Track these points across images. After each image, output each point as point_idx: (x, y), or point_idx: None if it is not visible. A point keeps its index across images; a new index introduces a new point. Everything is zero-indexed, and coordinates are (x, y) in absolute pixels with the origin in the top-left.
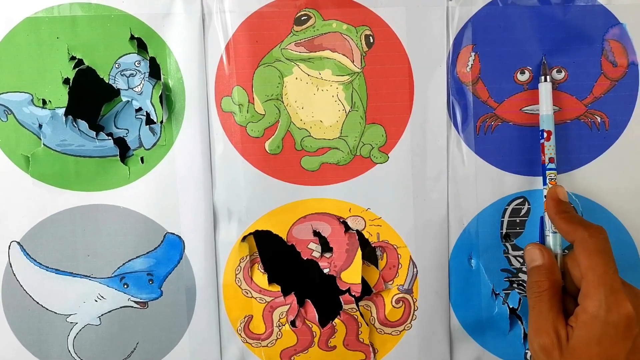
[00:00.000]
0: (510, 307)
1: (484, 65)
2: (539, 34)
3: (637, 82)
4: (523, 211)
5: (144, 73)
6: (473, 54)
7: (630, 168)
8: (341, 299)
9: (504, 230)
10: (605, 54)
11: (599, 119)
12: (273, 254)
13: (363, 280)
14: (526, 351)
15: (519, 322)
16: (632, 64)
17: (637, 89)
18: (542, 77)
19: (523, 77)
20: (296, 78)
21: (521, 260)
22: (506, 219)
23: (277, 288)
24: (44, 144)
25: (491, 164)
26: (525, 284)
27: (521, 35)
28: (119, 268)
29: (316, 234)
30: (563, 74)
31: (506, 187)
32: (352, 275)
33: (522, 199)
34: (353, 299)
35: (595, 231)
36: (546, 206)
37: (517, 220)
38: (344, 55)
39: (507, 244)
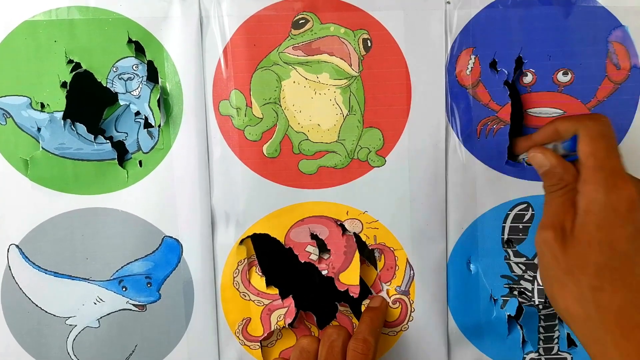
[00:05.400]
0: (508, 314)
1: (485, 68)
2: (541, 36)
3: (639, 85)
4: (527, 217)
5: (142, 76)
6: (473, 57)
7: (632, 172)
8: (338, 305)
9: (506, 236)
10: (610, 56)
11: None
12: (271, 257)
13: (362, 281)
14: (524, 356)
15: (518, 326)
16: (634, 67)
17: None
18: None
19: (527, 80)
20: (294, 82)
21: (523, 267)
22: (508, 224)
23: (275, 291)
24: (42, 148)
25: (492, 167)
26: (526, 292)
27: (523, 38)
28: (117, 271)
29: (314, 237)
30: (570, 76)
31: (508, 191)
32: (350, 277)
33: (525, 205)
34: (348, 305)
35: (597, 116)
36: (538, 133)
37: (520, 226)
38: (341, 59)
39: (509, 250)
